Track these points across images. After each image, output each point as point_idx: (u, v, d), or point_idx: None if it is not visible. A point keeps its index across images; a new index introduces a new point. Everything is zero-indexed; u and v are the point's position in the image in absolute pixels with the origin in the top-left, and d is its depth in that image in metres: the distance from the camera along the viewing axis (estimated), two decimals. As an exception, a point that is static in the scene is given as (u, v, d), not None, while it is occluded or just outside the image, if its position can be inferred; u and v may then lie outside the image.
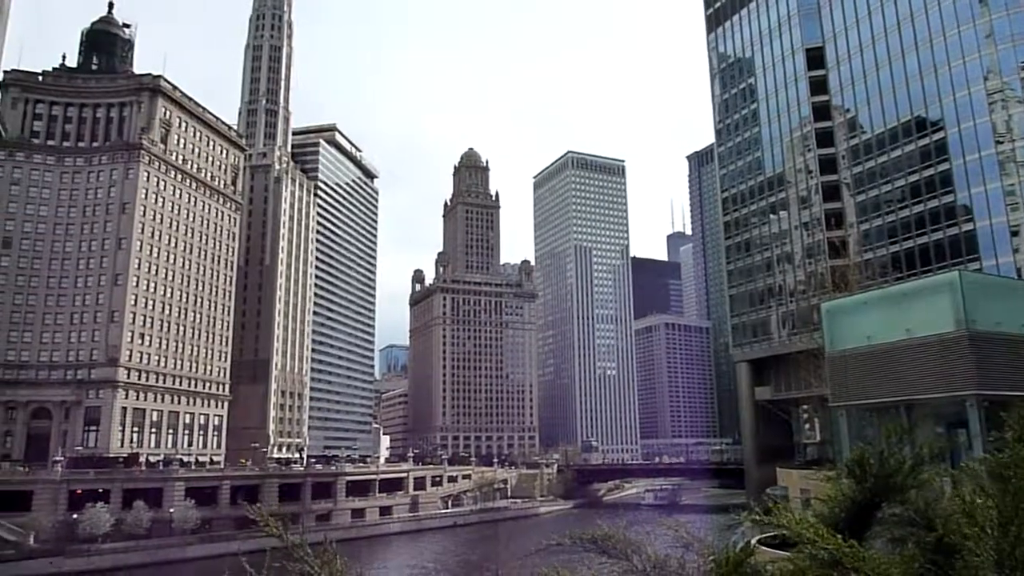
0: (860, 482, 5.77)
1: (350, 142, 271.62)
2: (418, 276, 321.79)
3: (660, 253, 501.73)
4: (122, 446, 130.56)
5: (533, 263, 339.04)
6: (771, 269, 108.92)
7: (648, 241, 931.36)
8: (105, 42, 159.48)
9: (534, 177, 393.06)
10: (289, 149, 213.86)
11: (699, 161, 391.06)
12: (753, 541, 11.77)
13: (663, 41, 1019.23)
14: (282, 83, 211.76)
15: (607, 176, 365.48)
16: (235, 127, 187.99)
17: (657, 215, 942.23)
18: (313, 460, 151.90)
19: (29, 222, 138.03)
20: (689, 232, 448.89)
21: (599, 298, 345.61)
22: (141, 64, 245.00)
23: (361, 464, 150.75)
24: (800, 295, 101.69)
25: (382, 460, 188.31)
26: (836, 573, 4.85)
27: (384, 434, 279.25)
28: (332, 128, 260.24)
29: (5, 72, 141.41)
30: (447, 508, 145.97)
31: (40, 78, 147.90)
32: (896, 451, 5.80)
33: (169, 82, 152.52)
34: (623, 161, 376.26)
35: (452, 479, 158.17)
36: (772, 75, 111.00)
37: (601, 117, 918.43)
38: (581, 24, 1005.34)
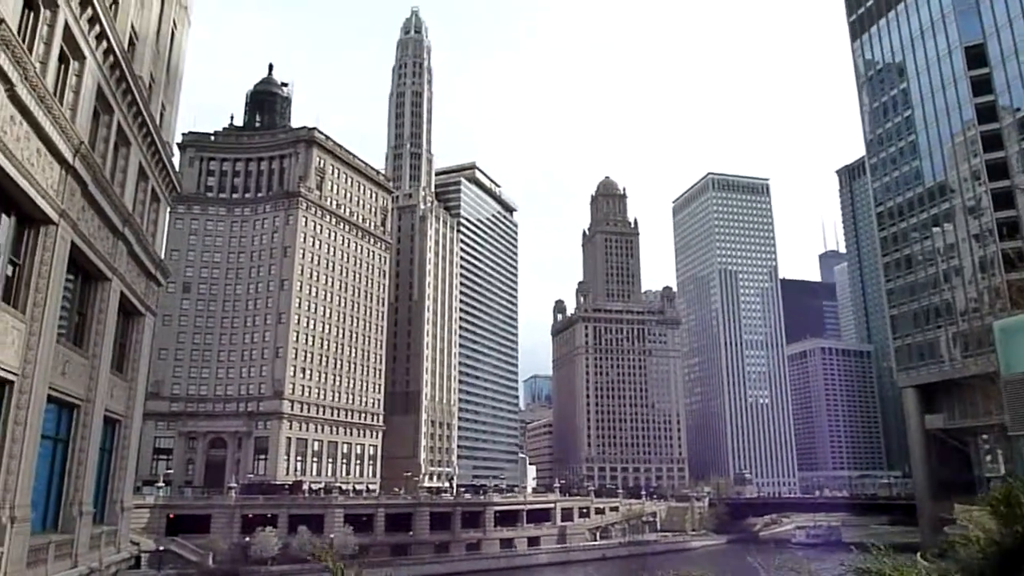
0: (1008, 523, 5.25)
1: (489, 178, 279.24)
2: (559, 306, 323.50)
3: (812, 274, 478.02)
4: (287, 474, 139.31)
5: (675, 289, 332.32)
6: (937, 286, 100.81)
7: (798, 261, 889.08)
8: (266, 101, 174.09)
9: (673, 201, 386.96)
10: (432, 189, 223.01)
11: (850, 175, 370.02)
12: None
13: (801, 53, 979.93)
14: (424, 126, 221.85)
15: (751, 196, 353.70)
16: (382, 171, 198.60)
17: (807, 234, 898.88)
18: (462, 489, 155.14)
19: (205, 268, 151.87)
20: (843, 250, 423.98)
21: (747, 323, 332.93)
22: (298, 118, 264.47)
23: (509, 494, 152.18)
24: (972, 313, 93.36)
25: (529, 490, 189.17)
26: None
27: (530, 464, 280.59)
28: (472, 166, 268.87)
29: (183, 135, 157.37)
30: (595, 540, 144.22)
31: (212, 138, 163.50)
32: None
33: (323, 133, 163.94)
34: (767, 179, 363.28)
35: (599, 511, 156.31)
36: (927, 78, 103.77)
37: (741, 136, 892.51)
38: (715, 42, 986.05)
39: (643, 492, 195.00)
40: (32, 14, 17.57)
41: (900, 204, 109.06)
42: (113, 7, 23.31)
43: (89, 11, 19.87)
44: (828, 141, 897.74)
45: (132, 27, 25.85)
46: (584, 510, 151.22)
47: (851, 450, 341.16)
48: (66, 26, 18.83)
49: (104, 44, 21.39)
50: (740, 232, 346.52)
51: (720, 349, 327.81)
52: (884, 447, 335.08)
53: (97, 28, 20.64)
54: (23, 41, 16.78)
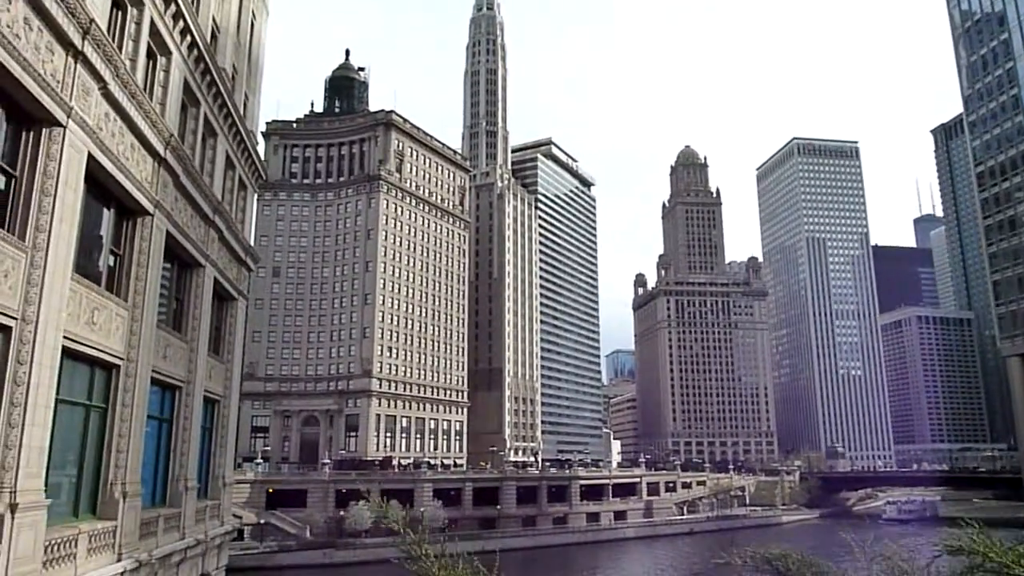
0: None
1: (566, 153, 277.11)
2: (640, 280, 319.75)
3: (907, 239, 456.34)
4: (377, 450, 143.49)
5: (761, 259, 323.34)
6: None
7: (892, 227, 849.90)
8: (345, 86, 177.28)
9: (757, 169, 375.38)
10: (509, 166, 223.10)
11: (946, 134, 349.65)
12: None
13: (889, 6, 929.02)
14: (499, 104, 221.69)
15: (838, 160, 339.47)
16: (459, 150, 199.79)
17: (901, 198, 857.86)
18: (547, 464, 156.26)
19: (293, 252, 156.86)
20: (940, 213, 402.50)
21: (837, 292, 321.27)
22: (375, 101, 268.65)
23: (594, 468, 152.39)
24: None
25: (614, 465, 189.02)
26: None
27: (614, 439, 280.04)
28: (548, 142, 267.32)
29: (267, 123, 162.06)
30: (682, 515, 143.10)
31: (294, 125, 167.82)
32: None
33: (400, 116, 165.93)
34: (856, 143, 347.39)
35: (686, 485, 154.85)
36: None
37: (827, 98, 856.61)
38: (795, 5, 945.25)
39: (730, 466, 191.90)
40: (120, 13, 18.30)
41: (1003, 162, 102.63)
42: (195, 2, 24.08)
43: (173, 7, 20.56)
44: (922, 99, 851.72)
45: (213, 20, 26.65)
46: (670, 484, 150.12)
47: (951, 422, 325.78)
48: (152, 23, 19.55)
49: (188, 38, 22.13)
50: (828, 198, 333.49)
51: (809, 320, 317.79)
52: (987, 419, 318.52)
53: (181, 23, 21.36)
54: (113, 39, 17.52)
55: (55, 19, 14.08)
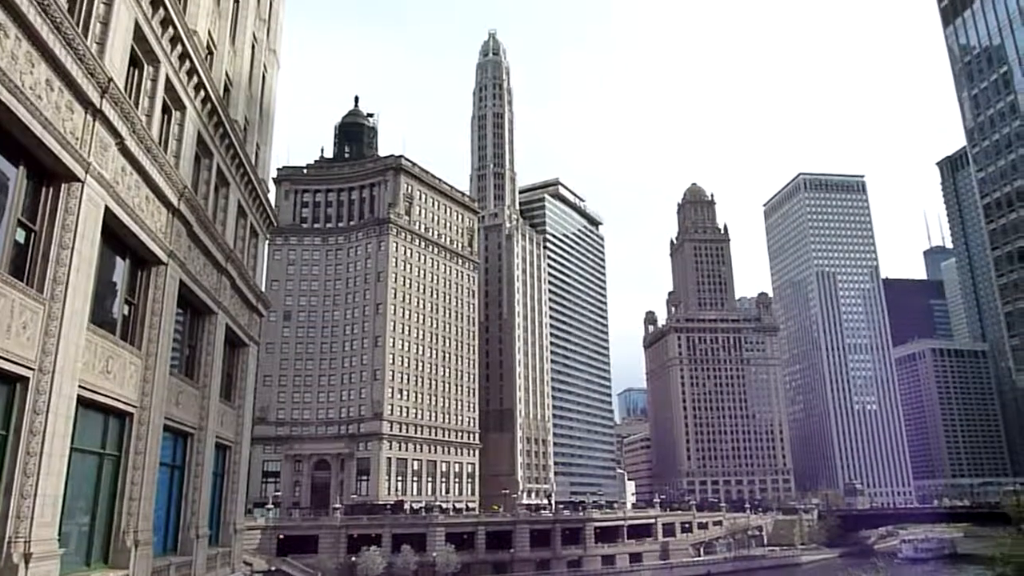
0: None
1: (573, 193, 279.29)
2: (650, 318, 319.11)
3: (917, 271, 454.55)
4: (389, 493, 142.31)
5: (771, 295, 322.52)
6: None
7: (902, 260, 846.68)
8: (354, 132, 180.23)
9: (764, 205, 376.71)
10: (517, 207, 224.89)
11: (952, 166, 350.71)
12: None
13: (890, 42, 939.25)
14: (506, 146, 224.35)
15: (845, 194, 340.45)
16: (467, 192, 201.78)
17: (910, 230, 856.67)
18: (561, 506, 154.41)
19: (304, 296, 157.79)
20: (950, 245, 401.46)
21: (849, 326, 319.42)
22: (385, 146, 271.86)
23: (608, 510, 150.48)
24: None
25: (628, 506, 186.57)
26: None
27: (629, 479, 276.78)
28: (555, 182, 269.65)
29: (278, 170, 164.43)
30: (699, 556, 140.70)
31: (305, 171, 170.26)
32: None
33: (409, 160, 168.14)
34: (862, 176, 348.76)
35: (702, 525, 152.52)
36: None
37: (832, 133, 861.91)
38: (799, 40, 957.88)
39: (747, 505, 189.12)
40: (136, 70, 18.96)
41: (1008, 194, 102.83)
42: (209, 58, 24.85)
43: (187, 63, 21.25)
44: (927, 131, 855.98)
45: (226, 74, 27.45)
46: (686, 525, 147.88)
47: (970, 456, 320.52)
48: (167, 79, 20.22)
49: (202, 93, 22.81)
50: (836, 232, 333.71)
51: (822, 354, 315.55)
52: (1007, 452, 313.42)
53: (195, 79, 22.04)
54: (130, 96, 18.14)
55: (75, 79, 14.64)
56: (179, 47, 20.45)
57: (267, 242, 36.91)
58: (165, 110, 20.81)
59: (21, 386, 13.80)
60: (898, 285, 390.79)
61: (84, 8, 15.99)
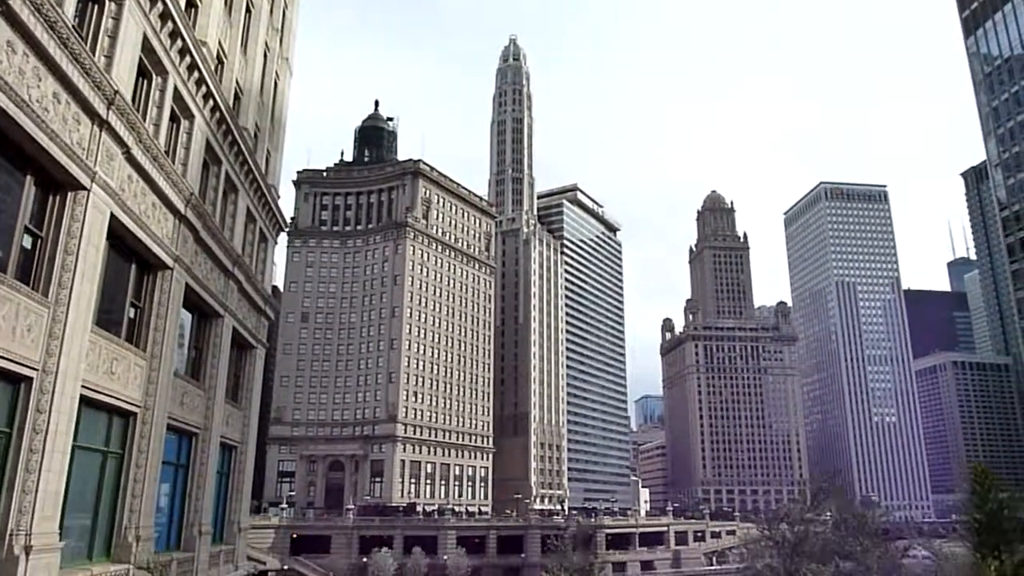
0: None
1: (591, 199, 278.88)
2: (668, 325, 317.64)
3: (940, 283, 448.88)
4: (402, 496, 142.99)
5: (790, 304, 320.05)
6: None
7: (925, 271, 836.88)
8: (373, 136, 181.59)
9: (784, 213, 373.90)
10: (535, 212, 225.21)
11: (976, 177, 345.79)
12: None
13: (914, 52, 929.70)
14: (525, 152, 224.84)
15: (867, 204, 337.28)
16: (486, 197, 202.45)
17: (933, 241, 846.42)
18: (573, 512, 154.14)
19: (321, 298, 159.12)
20: (974, 256, 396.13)
21: (869, 337, 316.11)
22: (404, 150, 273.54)
23: (620, 517, 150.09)
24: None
25: (642, 513, 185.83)
26: None
27: (643, 487, 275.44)
28: (574, 188, 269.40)
29: (298, 172, 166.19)
30: (711, 565, 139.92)
31: (324, 174, 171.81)
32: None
33: (427, 164, 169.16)
34: (884, 186, 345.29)
35: (715, 534, 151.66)
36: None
37: (854, 142, 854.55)
38: (823, 49, 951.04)
39: (761, 515, 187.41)
40: (145, 81, 19.59)
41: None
42: (219, 68, 25.50)
43: (196, 74, 21.87)
44: (951, 141, 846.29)
45: (237, 83, 28.10)
46: (699, 533, 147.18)
47: (992, 470, 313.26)
48: (176, 89, 20.85)
49: (211, 102, 23.44)
50: (857, 242, 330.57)
51: (840, 365, 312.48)
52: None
53: (204, 88, 22.67)
54: (138, 106, 18.77)
55: (82, 92, 15.25)
56: (188, 58, 21.06)
57: (286, 244, 37.61)
58: (173, 119, 21.43)
59: (25, 386, 14.39)
60: (920, 296, 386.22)
61: (93, 22, 16.63)
